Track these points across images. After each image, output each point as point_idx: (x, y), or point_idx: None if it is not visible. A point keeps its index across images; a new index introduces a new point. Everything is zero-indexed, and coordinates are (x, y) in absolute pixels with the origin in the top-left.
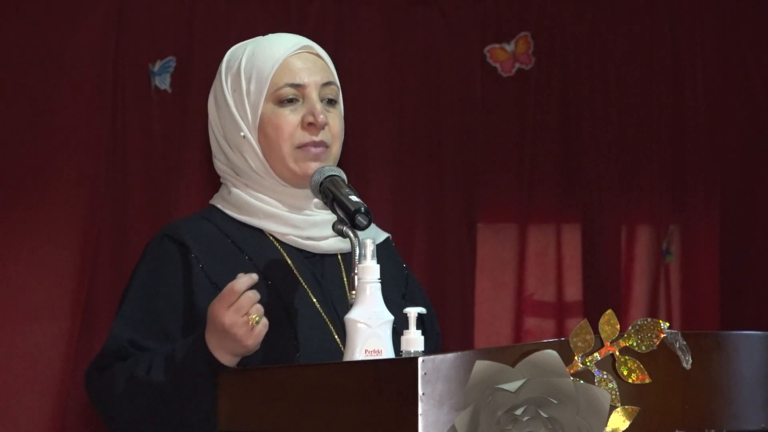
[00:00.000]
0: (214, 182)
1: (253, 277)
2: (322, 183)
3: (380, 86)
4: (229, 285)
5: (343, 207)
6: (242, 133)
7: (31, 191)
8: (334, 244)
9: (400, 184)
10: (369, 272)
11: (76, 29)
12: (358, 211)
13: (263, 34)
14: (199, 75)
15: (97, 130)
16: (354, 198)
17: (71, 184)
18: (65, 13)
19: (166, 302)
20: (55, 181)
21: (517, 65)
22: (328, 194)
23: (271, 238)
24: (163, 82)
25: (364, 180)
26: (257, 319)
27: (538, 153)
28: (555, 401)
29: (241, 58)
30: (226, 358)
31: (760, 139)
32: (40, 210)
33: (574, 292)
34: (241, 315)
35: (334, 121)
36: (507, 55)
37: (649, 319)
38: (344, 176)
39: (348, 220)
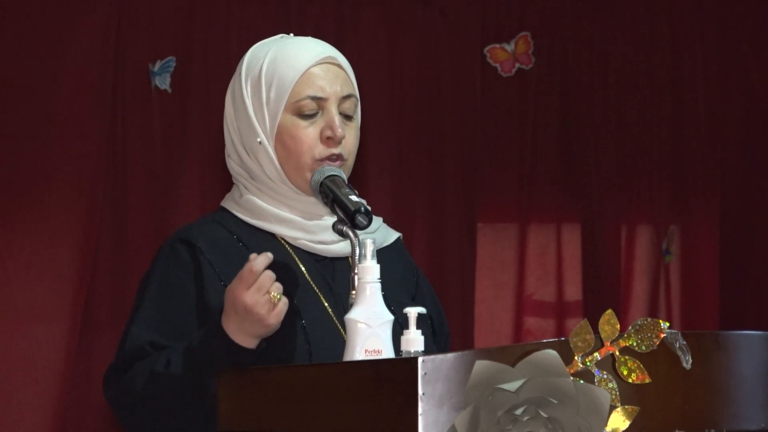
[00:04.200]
0: (214, 182)
1: (269, 256)
2: (322, 183)
3: (380, 86)
4: (247, 265)
5: (343, 207)
6: (258, 139)
7: (31, 191)
8: (344, 247)
9: (400, 184)
10: (369, 272)
11: (76, 29)
12: (358, 210)
13: (263, 34)
14: (199, 75)
15: (97, 130)
16: (354, 198)
17: (71, 185)
18: (65, 13)
19: (182, 304)
20: (56, 181)
21: (517, 65)
22: (328, 194)
23: (282, 242)
24: (163, 82)
25: (364, 180)
26: (278, 296)
27: (538, 153)
28: (555, 401)
29: (263, 62)
30: (247, 340)
31: (760, 139)
32: (40, 210)
33: (574, 292)
34: (262, 294)
35: (350, 134)
36: (507, 55)
37: (649, 319)
38: (344, 176)
39: (348, 220)
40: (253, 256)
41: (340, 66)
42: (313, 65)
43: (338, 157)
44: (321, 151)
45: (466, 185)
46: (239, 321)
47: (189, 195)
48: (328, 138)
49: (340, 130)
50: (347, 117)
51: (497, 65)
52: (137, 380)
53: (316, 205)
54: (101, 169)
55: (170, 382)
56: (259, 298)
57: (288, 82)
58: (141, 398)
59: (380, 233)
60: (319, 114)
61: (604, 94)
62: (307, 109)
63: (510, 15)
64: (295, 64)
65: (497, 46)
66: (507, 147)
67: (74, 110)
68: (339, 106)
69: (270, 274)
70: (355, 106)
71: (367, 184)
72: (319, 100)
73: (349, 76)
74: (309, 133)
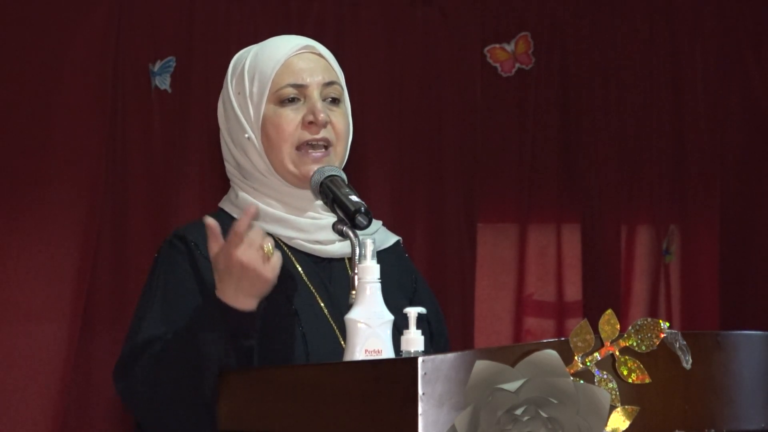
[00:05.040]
0: (214, 182)
1: (252, 210)
2: (322, 183)
3: (380, 86)
4: (231, 229)
5: (343, 207)
6: (246, 135)
7: (31, 192)
8: (340, 248)
9: (400, 184)
10: (369, 272)
11: (76, 29)
12: (358, 211)
13: (263, 34)
14: (199, 75)
15: (97, 130)
16: (354, 198)
17: (71, 185)
18: (65, 13)
19: (189, 299)
20: (55, 181)
21: (517, 65)
22: (328, 194)
23: (279, 242)
24: (163, 82)
25: (364, 180)
26: (271, 249)
27: (538, 153)
28: (555, 401)
29: (245, 61)
30: (247, 301)
31: (760, 139)
32: (40, 211)
33: (574, 292)
34: (255, 249)
35: (338, 119)
36: (507, 55)
37: (649, 319)
38: (344, 176)
39: (348, 220)
40: (241, 220)
41: (320, 55)
42: (292, 55)
43: (323, 141)
44: (302, 136)
45: (466, 185)
46: (236, 282)
47: (189, 195)
48: (310, 123)
49: (322, 114)
50: (333, 102)
51: (497, 65)
52: (142, 366)
53: (307, 196)
54: (101, 169)
55: (170, 357)
56: (253, 253)
57: (268, 74)
58: (145, 381)
59: (379, 236)
60: (302, 102)
61: (604, 94)
62: (288, 95)
63: (510, 15)
64: (274, 56)
65: (497, 46)
66: (507, 147)
67: (74, 110)
68: (322, 92)
69: (259, 230)
70: (340, 92)
71: (367, 184)
72: (300, 88)
73: (330, 64)
74: (291, 120)
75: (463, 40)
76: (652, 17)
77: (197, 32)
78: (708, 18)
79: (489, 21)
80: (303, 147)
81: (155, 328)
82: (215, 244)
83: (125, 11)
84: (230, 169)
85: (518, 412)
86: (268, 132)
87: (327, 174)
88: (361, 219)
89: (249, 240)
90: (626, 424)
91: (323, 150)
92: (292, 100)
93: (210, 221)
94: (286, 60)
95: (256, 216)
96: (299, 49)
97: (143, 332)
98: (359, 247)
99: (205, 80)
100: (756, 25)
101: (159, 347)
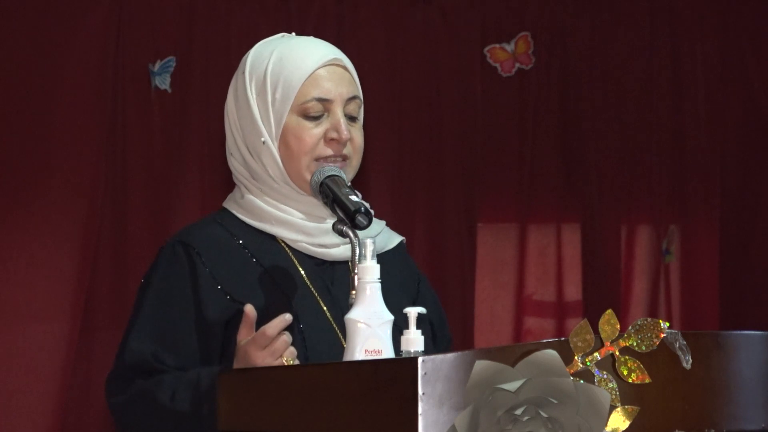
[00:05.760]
0: (214, 182)
1: (287, 318)
2: (322, 183)
3: (380, 86)
4: (262, 329)
5: (343, 207)
6: (263, 139)
7: (31, 191)
8: (344, 251)
9: (400, 184)
10: (369, 272)
11: (76, 29)
12: (358, 211)
13: (263, 34)
14: (199, 75)
15: (97, 130)
16: (354, 198)
17: (71, 185)
18: (65, 13)
19: (180, 312)
20: (55, 181)
21: (517, 65)
22: (328, 194)
23: (282, 244)
24: (163, 82)
25: (364, 180)
26: (291, 361)
27: (538, 153)
28: (555, 401)
29: (268, 62)
30: None
31: (760, 139)
32: (40, 210)
33: (574, 292)
34: (275, 358)
35: (356, 135)
36: (507, 55)
37: (649, 319)
38: (345, 176)
39: (348, 220)
40: (273, 323)
41: (345, 68)
42: (320, 67)
43: (342, 158)
44: (323, 151)
45: (466, 185)
46: None
47: (189, 195)
48: (332, 139)
49: (345, 132)
50: (351, 118)
51: (497, 65)
52: (140, 403)
53: (318, 205)
54: (101, 169)
55: (173, 417)
56: (272, 362)
57: (294, 84)
58: (142, 425)
59: (382, 237)
60: (325, 116)
61: (604, 94)
62: (314, 110)
63: (510, 15)
64: (301, 65)
65: (497, 46)
66: (507, 147)
67: (74, 110)
68: (344, 107)
69: (285, 339)
70: (359, 107)
71: (367, 184)
72: (325, 102)
73: (353, 78)
74: (314, 134)
75: (463, 40)
76: (653, 17)
77: (197, 32)
78: (709, 18)
79: (489, 21)
80: (322, 159)
81: (144, 345)
82: (246, 333)
83: (125, 11)
84: (237, 166)
85: (518, 412)
86: (288, 142)
87: (327, 174)
88: (361, 219)
89: (273, 349)
90: (626, 424)
91: (341, 161)
92: (317, 116)
93: (249, 309)
94: (313, 72)
95: (288, 322)
96: (327, 61)
97: (133, 347)
98: (359, 247)
99: (205, 80)
100: (756, 26)
101: (161, 394)
